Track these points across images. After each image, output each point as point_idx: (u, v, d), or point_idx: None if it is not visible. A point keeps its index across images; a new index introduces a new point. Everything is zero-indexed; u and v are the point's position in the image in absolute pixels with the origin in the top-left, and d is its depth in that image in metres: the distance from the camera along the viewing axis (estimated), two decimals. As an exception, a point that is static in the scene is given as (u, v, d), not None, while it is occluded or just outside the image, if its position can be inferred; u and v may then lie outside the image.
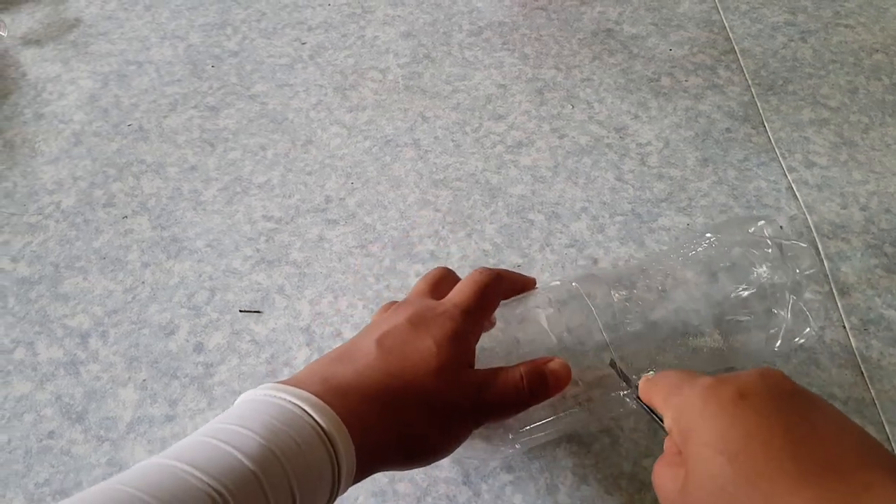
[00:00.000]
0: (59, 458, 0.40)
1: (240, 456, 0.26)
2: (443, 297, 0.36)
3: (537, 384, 0.34)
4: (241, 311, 0.45)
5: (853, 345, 0.42)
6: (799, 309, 0.38)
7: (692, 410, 0.27)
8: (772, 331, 0.39)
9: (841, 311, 0.44)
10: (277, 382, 0.30)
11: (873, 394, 0.40)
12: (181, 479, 0.24)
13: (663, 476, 0.28)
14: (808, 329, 0.38)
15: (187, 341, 0.44)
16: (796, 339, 0.38)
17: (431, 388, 0.31)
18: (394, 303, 0.37)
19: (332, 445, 0.27)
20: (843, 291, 0.45)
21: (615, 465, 0.38)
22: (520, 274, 0.40)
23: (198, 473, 0.25)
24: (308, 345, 0.44)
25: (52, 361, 0.44)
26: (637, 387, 0.35)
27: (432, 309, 0.34)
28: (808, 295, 0.38)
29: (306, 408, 0.28)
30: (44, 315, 0.46)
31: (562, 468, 0.38)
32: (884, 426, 0.39)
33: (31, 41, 0.65)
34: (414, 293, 0.37)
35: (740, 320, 0.39)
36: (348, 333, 0.44)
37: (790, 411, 0.25)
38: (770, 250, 0.39)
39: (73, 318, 0.46)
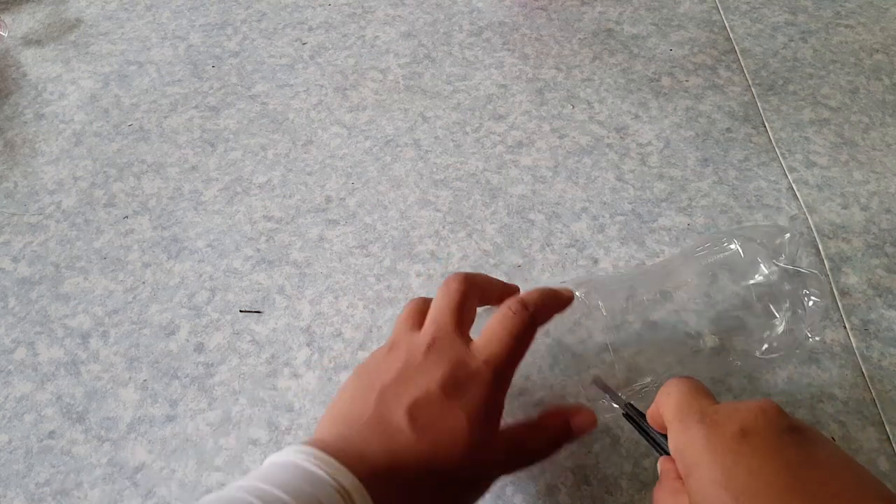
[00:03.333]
0: (59, 458, 0.40)
1: None
2: (469, 321, 0.35)
3: (561, 439, 0.34)
4: (241, 311, 0.45)
5: (854, 345, 0.42)
6: (800, 316, 0.38)
7: (696, 447, 0.27)
8: (770, 335, 0.39)
9: (841, 311, 0.44)
10: (313, 446, 0.29)
11: (874, 394, 0.40)
12: None
13: (665, 502, 0.29)
14: (807, 337, 0.38)
15: (188, 341, 0.44)
16: (797, 347, 0.38)
17: (460, 471, 0.31)
18: (423, 302, 0.36)
19: None
20: (844, 291, 0.45)
21: (616, 465, 0.38)
22: (555, 295, 0.37)
23: None
24: (308, 345, 0.44)
25: (53, 361, 0.44)
26: (627, 405, 0.35)
27: (464, 367, 0.32)
28: (810, 303, 0.38)
29: (348, 488, 0.28)
30: (44, 315, 0.46)
31: (562, 468, 0.38)
32: (884, 426, 0.39)
33: (31, 41, 0.65)
34: (441, 326, 0.34)
35: (741, 325, 0.39)
36: (349, 333, 0.44)
37: (791, 448, 0.26)
38: (779, 261, 0.39)
39: (73, 318, 0.46)
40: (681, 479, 0.28)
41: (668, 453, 0.30)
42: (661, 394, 0.31)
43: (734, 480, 0.25)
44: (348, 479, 0.28)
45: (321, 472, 0.28)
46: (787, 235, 0.40)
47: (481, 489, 0.33)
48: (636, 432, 0.34)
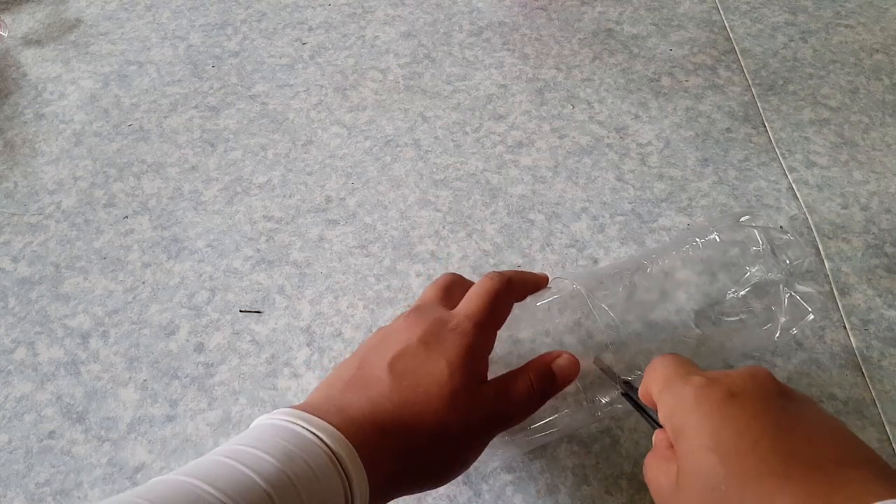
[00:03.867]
0: (59, 458, 0.40)
1: (255, 477, 0.26)
2: (454, 304, 0.35)
3: (546, 385, 0.34)
4: (241, 311, 0.45)
5: (853, 345, 0.42)
6: (794, 300, 0.38)
7: (685, 409, 0.27)
8: (768, 325, 0.39)
9: (841, 311, 0.44)
10: (294, 408, 0.30)
11: (874, 394, 0.40)
12: (197, 495, 0.25)
13: (655, 469, 0.29)
14: (806, 318, 0.38)
15: (188, 341, 0.44)
16: (793, 330, 0.38)
17: (444, 416, 0.30)
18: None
19: (346, 475, 0.28)
20: (844, 291, 0.45)
21: (615, 465, 0.38)
22: (531, 273, 0.39)
23: (213, 491, 0.25)
24: (308, 345, 0.44)
25: (53, 361, 0.44)
26: (624, 383, 0.35)
27: (444, 324, 0.33)
28: (800, 287, 0.39)
29: (323, 437, 0.28)
30: (44, 315, 0.46)
31: (562, 468, 0.38)
32: (884, 426, 0.39)
33: (31, 41, 0.65)
34: (425, 300, 0.36)
35: (737, 316, 0.39)
36: (349, 333, 0.44)
37: (778, 411, 0.26)
38: (761, 247, 0.39)
39: (73, 318, 0.46)
40: (672, 447, 0.28)
41: (661, 427, 0.31)
42: (647, 371, 0.32)
43: (721, 442, 0.25)
44: (326, 430, 0.28)
45: (298, 427, 0.28)
46: (746, 217, 0.40)
47: (472, 447, 0.32)
48: (636, 413, 0.34)
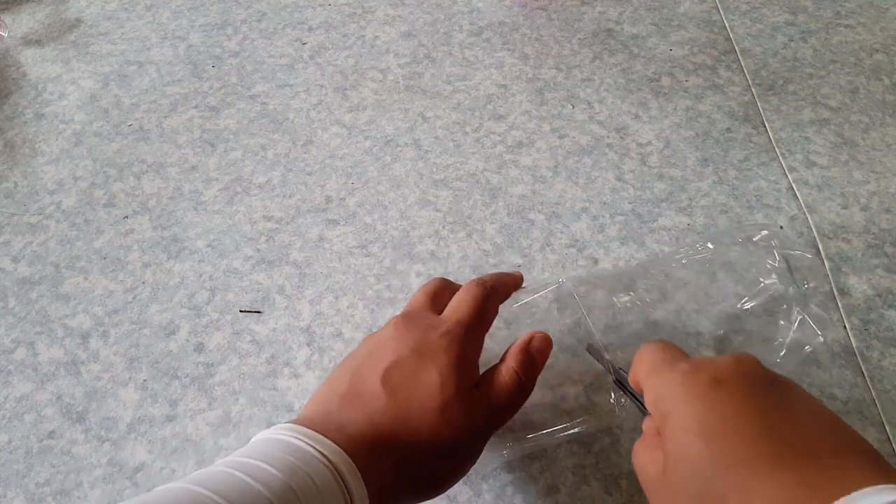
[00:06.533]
0: (59, 458, 0.40)
1: (261, 489, 0.26)
2: (442, 307, 0.36)
3: (530, 369, 0.35)
4: (241, 311, 0.46)
5: (853, 345, 0.42)
6: (803, 320, 0.38)
7: (671, 394, 0.27)
8: (776, 342, 0.39)
9: (841, 311, 0.44)
10: (295, 423, 0.30)
11: (874, 394, 0.40)
12: None
13: (643, 456, 0.29)
14: (816, 338, 0.38)
15: (188, 341, 0.44)
16: (805, 349, 0.38)
17: (439, 429, 0.31)
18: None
19: (348, 490, 0.28)
20: (844, 291, 0.45)
21: (615, 465, 0.38)
22: (507, 273, 0.40)
23: (221, 501, 0.25)
24: (308, 345, 0.44)
25: (53, 361, 0.44)
26: (616, 370, 0.35)
27: (435, 329, 0.34)
28: (814, 308, 0.38)
29: (326, 453, 0.28)
30: (44, 315, 0.46)
31: (562, 468, 0.38)
32: (884, 426, 0.39)
33: (31, 41, 0.65)
34: (414, 306, 0.37)
35: (744, 329, 0.39)
36: (349, 333, 0.44)
37: (764, 397, 0.26)
38: (777, 263, 0.39)
39: (73, 318, 0.46)
40: (659, 433, 0.28)
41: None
42: (635, 357, 0.32)
43: (707, 426, 0.25)
44: (328, 447, 0.29)
45: (301, 443, 0.29)
46: (765, 232, 0.40)
47: (468, 455, 0.32)
48: (636, 413, 0.34)
